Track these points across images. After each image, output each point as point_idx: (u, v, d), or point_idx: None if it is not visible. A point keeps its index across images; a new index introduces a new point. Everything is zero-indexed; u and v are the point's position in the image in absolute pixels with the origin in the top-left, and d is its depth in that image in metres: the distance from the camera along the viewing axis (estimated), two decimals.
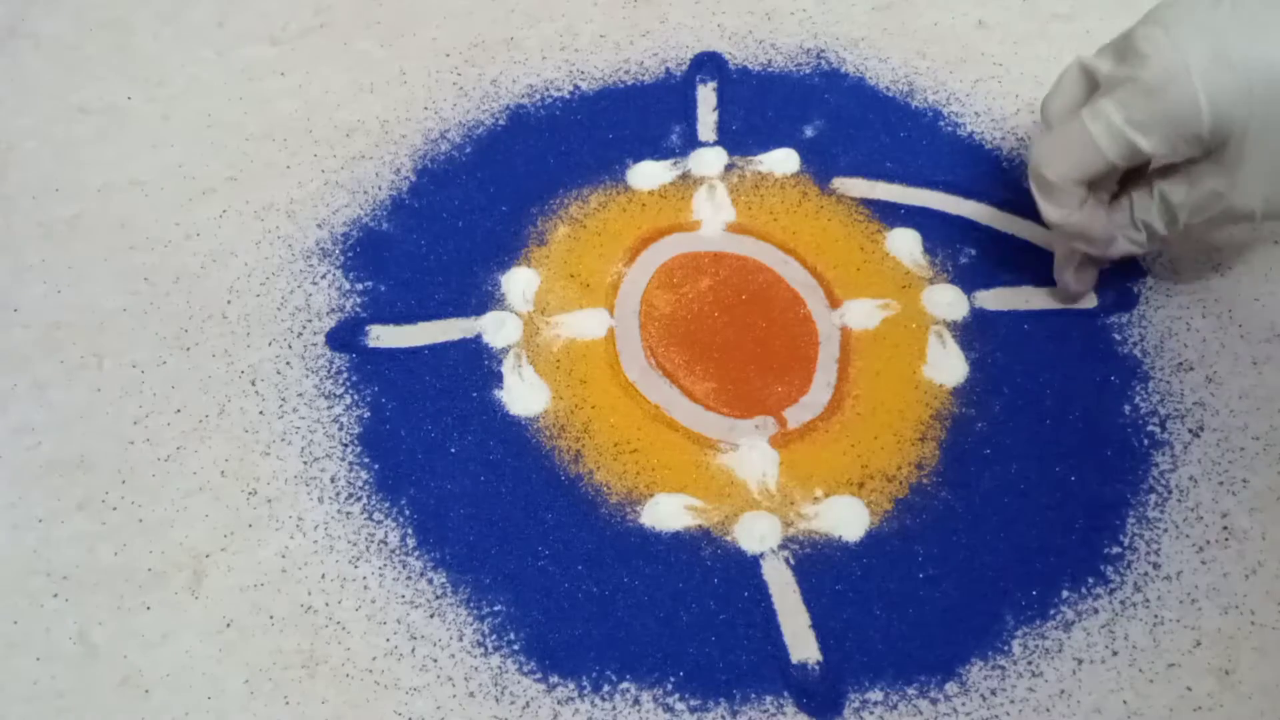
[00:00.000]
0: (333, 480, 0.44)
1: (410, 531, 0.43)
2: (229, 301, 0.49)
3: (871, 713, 0.39)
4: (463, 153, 0.53)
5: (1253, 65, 0.38)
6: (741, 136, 0.53)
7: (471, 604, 0.41)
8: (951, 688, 0.39)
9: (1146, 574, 0.41)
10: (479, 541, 0.43)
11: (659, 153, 0.53)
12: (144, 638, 0.41)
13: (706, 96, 0.55)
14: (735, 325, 0.48)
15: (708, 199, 0.52)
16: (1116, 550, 0.42)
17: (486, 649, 0.40)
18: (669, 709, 0.39)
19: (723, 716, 0.39)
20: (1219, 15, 0.39)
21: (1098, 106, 0.41)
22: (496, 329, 0.48)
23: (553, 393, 0.46)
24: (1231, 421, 0.45)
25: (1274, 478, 0.43)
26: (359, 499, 0.44)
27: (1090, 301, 0.48)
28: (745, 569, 0.42)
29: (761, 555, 0.42)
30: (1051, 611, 0.41)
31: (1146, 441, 0.44)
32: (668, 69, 0.56)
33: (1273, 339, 0.47)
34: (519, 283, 0.49)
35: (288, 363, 0.47)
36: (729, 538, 0.43)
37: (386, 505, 0.44)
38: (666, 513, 0.43)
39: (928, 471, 0.44)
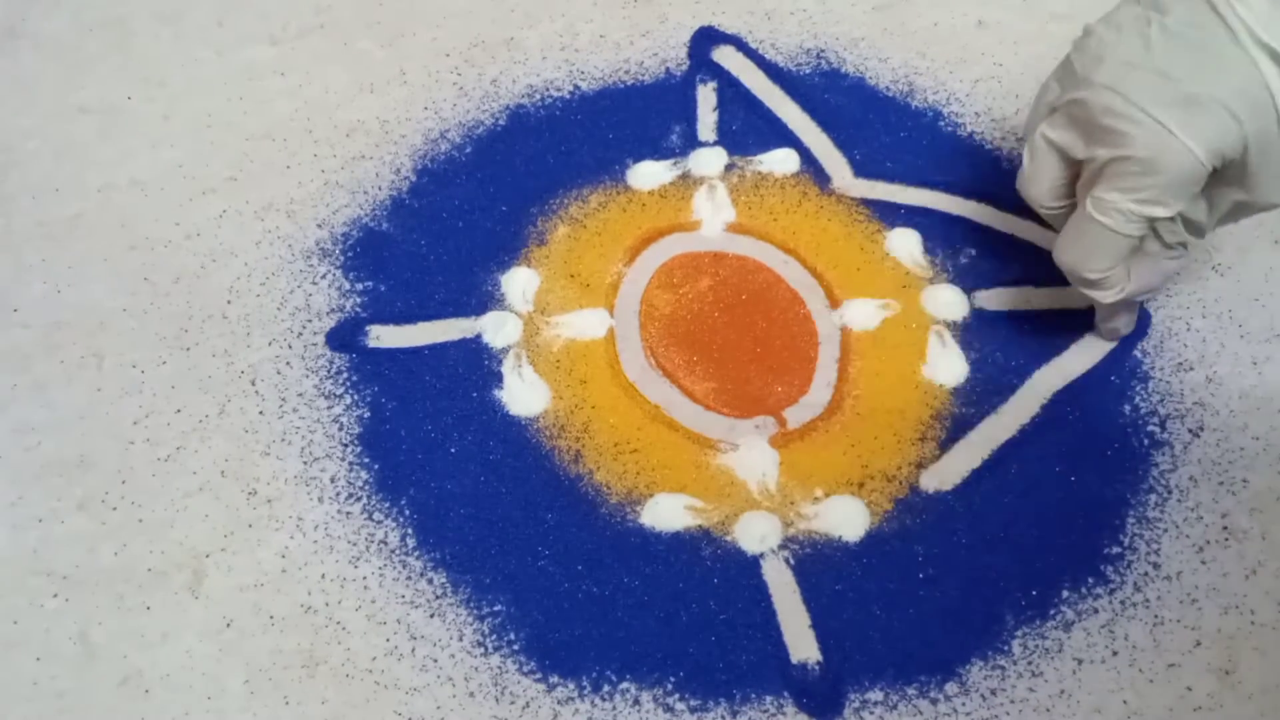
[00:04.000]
0: (333, 480, 0.44)
1: (410, 531, 0.43)
2: (229, 301, 0.49)
3: (871, 713, 0.39)
4: (463, 153, 0.53)
5: (1219, 94, 0.38)
6: (741, 136, 0.53)
7: (471, 604, 0.41)
8: (951, 688, 0.39)
9: (1146, 574, 0.41)
10: (479, 541, 0.43)
11: (659, 153, 0.53)
12: (144, 637, 0.41)
13: (706, 96, 0.55)
14: (735, 325, 0.48)
15: (708, 199, 0.52)
16: (1116, 550, 0.42)
17: (486, 649, 0.40)
18: (669, 709, 0.39)
19: (723, 716, 0.39)
20: (1156, 55, 0.39)
21: (1103, 201, 0.40)
22: (496, 329, 0.48)
23: (553, 393, 0.46)
24: (1231, 421, 0.44)
25: (1274, 478, 0.43)
26: (359, 499, 0.44)
27: (1086, 301, 0.48)
28: (745, 569, 0.42)
29: (761, 555, 0.42)
30: (1051, 611, 0.41)
31: (1146, 441, 0.44)
32: (668, 69, 0.56)
33: (1272, 339, 0.47)
34: (519, 283, 0.49)
35: (288, 363, 0.47)
36: (729, 538, 0.43)
37: (386, 505, 0.44)
38: (666, 513, 0.43)
39: (928, 471, 0.44)
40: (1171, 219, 0.41)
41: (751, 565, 0.42)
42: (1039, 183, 0.43)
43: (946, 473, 0.44)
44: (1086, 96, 0.40)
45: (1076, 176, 0.42)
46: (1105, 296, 0.43)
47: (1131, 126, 0.39)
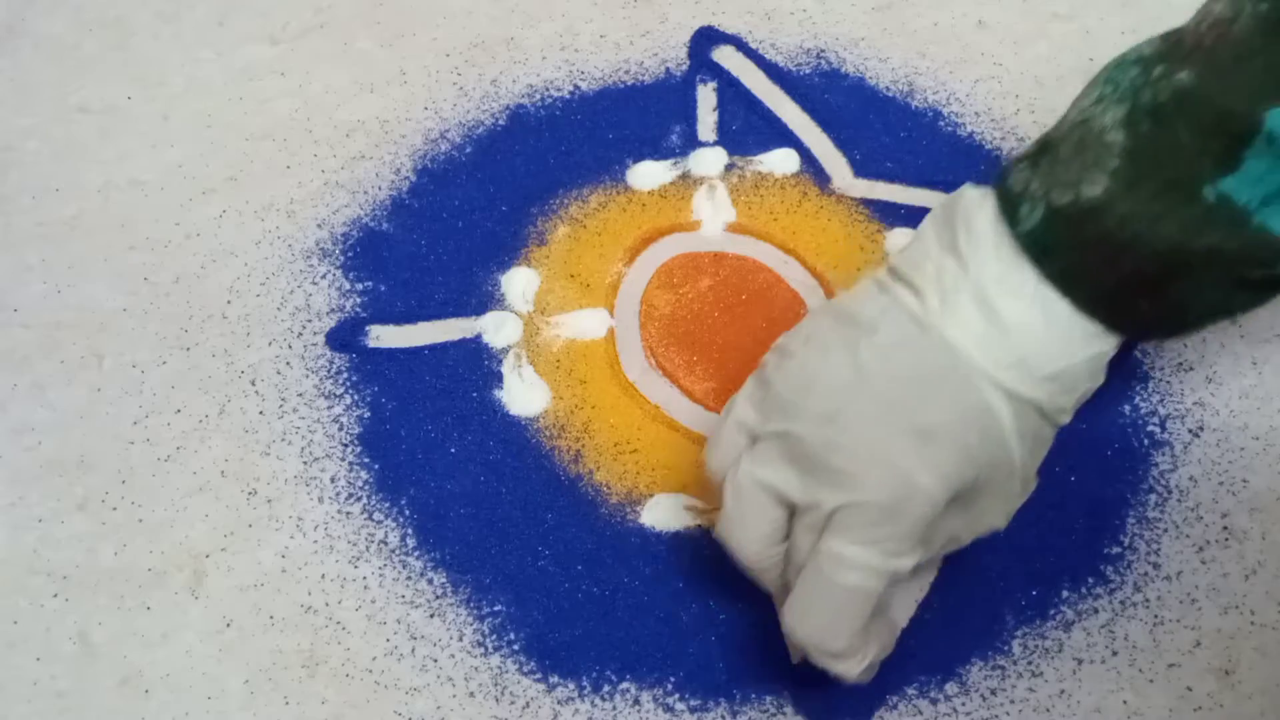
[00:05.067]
0: (333, 480, 0.44)
1: (410, 531, 0.43)
2: (229, 301, 0.49)
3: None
4: (463, 153, 0.53)
5: (958, 429, 0.35)
6: (741, 136, 0.53)
7: (471, 604, 0.41)
8: (951, 688, 0.39)
9: (1146, 574, 0.41)
10: (479, 541, 0.43)
11: (659, 153, 0.53)
12: (144, 638, 0.41)
13: (706, 96, 0.55)
14: (735, 325, 0.48)
15: (708, 199, 0.52)
16: (1116, 550, 0.42)
17: (486, 649, 0.41)
18: (669, 709, 0.39)
19: (723, 716, 0.39)
20: (874, 382, 0.35)
21: (841, 557, 0.34)
22: (496, 329, 0.48)
23: (553, 393, 0.46)
24: (1231, 421, 0.45)
25: (1274, 478, 0.43)
26: (359, 499, 0.44)
27: None
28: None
29: None
30: (1051, 611, 0.41)
31: (1146, 441, 0.44)
32: (668, 69, 0.56)
33: (1272, 339, 0.47)
34: (519, 283, 0.49)
35: (288, 363, 0.47)
36: None
37: (386, 505, 0.44)
38: (666, 513, 0.43)
39: None
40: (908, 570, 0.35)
41: None
42: (748, 529, 0.36)
43: None
44: (801, 431, 0.35)
45: (790, 517, 0.36)
46: (851, 669, 0.35)
47: (863, 468, 0.34)
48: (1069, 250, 0.35)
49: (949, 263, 0.36)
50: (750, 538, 0.36)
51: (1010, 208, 0.36)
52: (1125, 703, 0.39)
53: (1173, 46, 0.35)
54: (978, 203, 0.36)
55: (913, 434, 0.34)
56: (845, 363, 0.36)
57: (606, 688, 0.40)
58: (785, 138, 0.53)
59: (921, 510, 0.34)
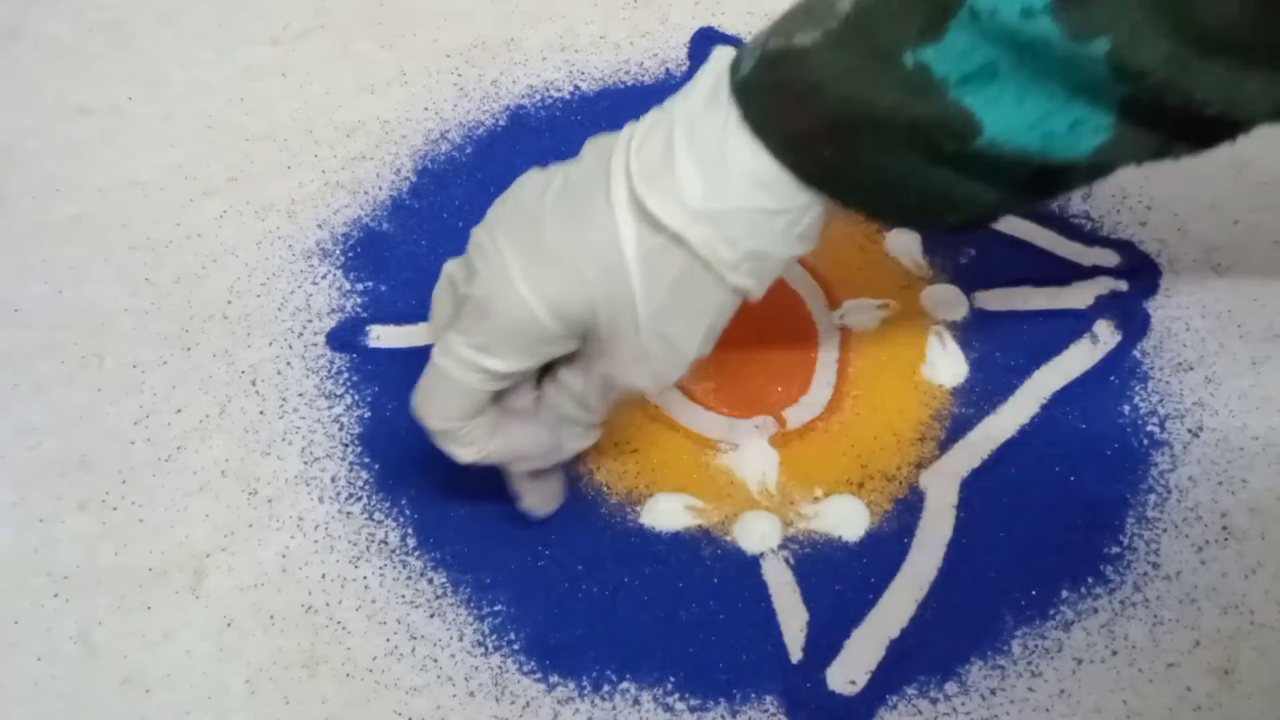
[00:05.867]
0: (333, 480, 0.44)
1: (410, 531, 0.43)
2: (229, 302, 0.49)
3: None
4: (463, 153, 0.53)
5: (575, 252, 0.35)
6: None
7: (471, 604, 0.41)
8: (951, 687, 0.39)
9: (1146, 574, 0.41)
10: (479, 541, 0.43)
11: None
12: (144, 637, 0.41)
13: None
14: (735, 325, 0.47)
15: None
16: (1116, 550, 0.42)
17: (486, 649, 0.41)
18: (669, 709, 0.39)
19: (723, 716, 0.39)
20: (543, 204, 0.36)
21: (445, 339, 0.36)
22: None
23: None
24: (1230, 421, 0.45)
25: (1273, 478, 0.43)
26: (359, 499, 0.44)
27: (1086, 301, 0.48)
28: (745, 569, 0.42)
29: (761, 555, 0.42)
30: (1051, 611, 0.41)
31: (1146, 441, 0.44)
32: (668, 69, 0.56)
33: (1271, 339, 0.47)
34: None
35: (288, 363, 0.47)
36: (729, 538, 0.43)
37: (387, 505, 0.44)
38: (666, 513, 0.43)
39: (927, 471, 0.44)
40: (509, 375, 0.36)
41: (751, 565, 0.42)
42: (436, 316, 0.38)
43: (946, 473, 0.44)
44: (475, 230, 0.37)
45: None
46: (461, 454, 0.37)
47: (482, 264, 0.35)
48: (765, 91, 0.34)
49: (667, 104, 0.36)
50: (434, 313, 0.38)
51: (738, 61, 0.35)
52: (1125, 702, 0.39)
53: None
54: (718, 56, 0.36)
55: (535, 251, 0.35)
56: (540, 184, 0.37)
57: (606, 687, 0.40)
58: None
59: (512, 317, 0.35)
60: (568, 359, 0.38)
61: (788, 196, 0.35)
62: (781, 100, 0.34)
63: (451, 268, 0.38)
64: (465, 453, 0.37)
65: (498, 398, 0.38)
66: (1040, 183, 0.35)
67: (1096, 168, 0.35)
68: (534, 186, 0.37)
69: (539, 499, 0.41)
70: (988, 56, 0.32)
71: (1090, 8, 0.30)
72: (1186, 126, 0.33)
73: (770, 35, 0.35)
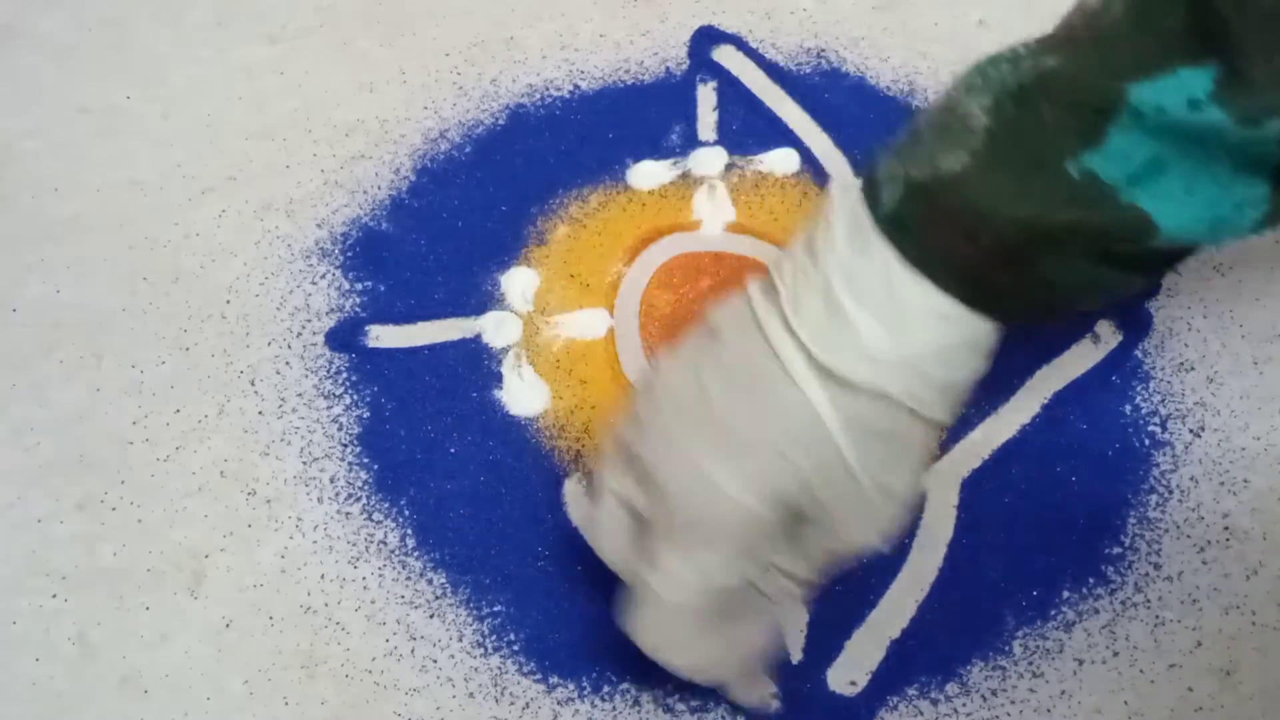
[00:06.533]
0: (332, 480, 0.44)
1: (410, 532, 0.43)
2: (228, 301, 0.49)
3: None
4: (463, 152, 0.53)
5: (772, 437, 0.33)
6: (741, 136, 0.53)
7: (471, 604, 0.41)
8: (952, 688, 0.39)
9: (1147, 574, 0.41)
10: (479, 542, 0.43)
11: (659, 152, 0.53)
12: (143, 638, 0.41)
13: (706, 96, 0.55)
14: None
15: (708, 199, 0.52)
16: (1117, 550, 0.42)
17: (486, 649, 0.40)
18: (669, 709, 0.39)
19: (723, 717, 0.39)
20: (709, 399, 0.34)
21: (666, 575, 0.34)
22: (496, 329, 0.48)
23: (553, 393, 0.46)
24: (1232, 421, 0.44)
25: (1275, 478, 0.43)
26: (358, 499, 0.44)
27: None
28: None
29: None
30: (1052, 612, 0.41)
31: (1147, 441, 0.44)
32: (668, 69, 0.56)
33: (1274, 339, 0.46)
34: (519, 283, 0.49)
35: (287, 363, 0.47)
36: None
37: (386, 505, 0.44)
38: None
39: (928, 472, 0.44)
40: (730, 586, 0.34)
41: None
42: (609, 538, 0.37)
43: (946, 473, 0.44)
44: (642, 452, 0.35)
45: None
46: (696, 677, 0.36)
47: (675, 482, 0.34)
48: (925, 225, 0.33)
49: (804, 259, 0.35)
50: (613, 546, 0.37)
51: (873, 193, 0.34)
52: (1126, 703, 0.39)
53: (1044, 39, 0.34)
54: (841, 193, 0.35)
55: (725, 446, 0.34)
56: (692, 379, 0.35)
57: (606, 688, 0.40)
58: (785, 137, 0.53)
59: (734, 523, 0.33)
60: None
61: (969, 325, 0.34)
62: (943, 232, 0.33)
63: (619, 488, 0.36)
64: (707, 675, 0.36)
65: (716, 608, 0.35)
66: (1174, 258, 0.35)
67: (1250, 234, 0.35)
68: (686, 385, 0.35)
69: (756, 691, 0.38)
70: (1153, 152, 0.31)
71: (1254, 89, 0.29)
72: None
73: (907, 161, 0.34)
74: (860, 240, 0.34)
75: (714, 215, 0.51)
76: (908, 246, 0.33)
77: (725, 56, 0.56)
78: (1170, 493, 0.43)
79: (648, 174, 0.52)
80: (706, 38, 0.57)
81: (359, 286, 0.49)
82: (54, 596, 0.42)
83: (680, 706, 0.39)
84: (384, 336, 0.48)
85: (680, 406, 0.35)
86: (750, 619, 0.36)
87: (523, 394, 0.46)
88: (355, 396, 0.46)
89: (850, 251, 0.34)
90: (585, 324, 0.48)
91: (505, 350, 0.47)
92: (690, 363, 0.35)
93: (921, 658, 0.40)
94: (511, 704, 0.39)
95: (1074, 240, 0.32)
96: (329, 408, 0.46)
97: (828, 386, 0.33)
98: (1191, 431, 0.44)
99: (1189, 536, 0.42)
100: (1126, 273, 0.34)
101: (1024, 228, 0.32)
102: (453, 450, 0.45)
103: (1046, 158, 0.32)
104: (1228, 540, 0.42)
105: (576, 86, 0.55)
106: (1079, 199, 0.32)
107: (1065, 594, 0.41)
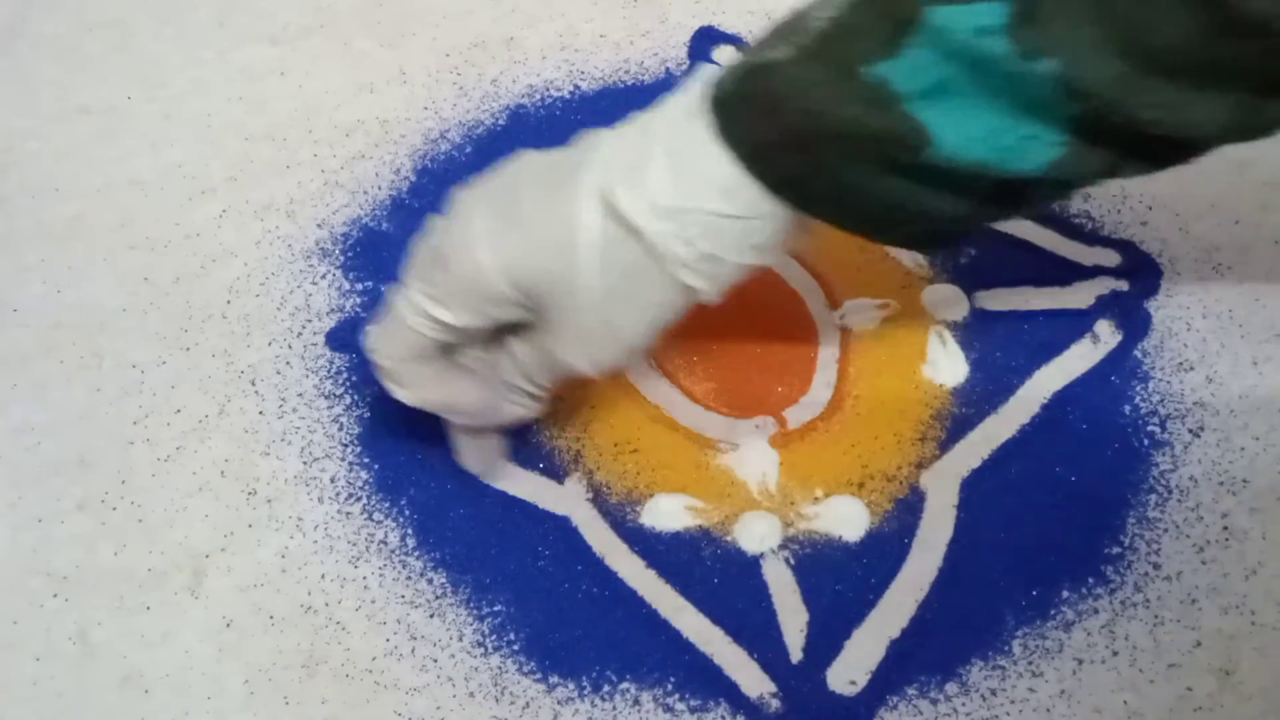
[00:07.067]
0: (332, 480, 0.44)
1: (410, 531, 0.43)
2: (229, 301, 0.49)
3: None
4: (463, 153, 0.53)
5: (538, 224, 0.36)
6: None
7: (471, 604, 0.41)
8: (952, 688, 0.39)
9: (1147, 574, 0.41)
10: (479, 541, 0.43)
11: None
12: (144, 638, 0.41)
13: None
14: (735, 326, 0.48)
15: None
16: (1116, 550, 0.42)
17: (486, 649, 0.40)
18: (669, 709, 0.39)
19: (723, 717, 0.39)
20: (522, 179, 0.38)
21: (406, 285, 0.38)
22: None
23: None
24: (1232, 421, 0.45)
25: (1274, 477, 0.43)
26: (359, 499, 0.44)
27: (1087, 301, 0.48)
28: (745, 569, 0.42)
29: (761, 555, 0.42)
30: (1052, 612, 0.41)
31: (1147, 441, 0.44)
32: (668, 69, 0.56)
33: (1273, 339, 0.47)
34: None
35: (287, 363, 0.47)
36: (729, 538, 0.43)
37: (386, 505, 0.44)
38: (667, 513, 0.43)
39: (928, 471, 0.44)
40: (456, 329, 0.38)
41: (752, 565, 0.42)
42: (410, 265, 0.40)
43: (946, 473, 0.44)
44: (456, 189, 0.39)
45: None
46: (398, 393, 0.39)
47: (453, 220, 0.37)
48: (736, 102, 0.36)
49: (657, 111, 0.38)
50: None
51: (720, 77, 0.37)
52: (1125, 703, 0.39)
53: None
54: (706, 70, 0.38)
55: (502, 217, 0.37)
56: (521, 167, 0.38)
57: (606, 688, 0.40)
58: None
59: (468, 270, 0.37)
60: (519, 329, 0.39)
61: (749, 205, 0.36)
62: (751, 112, 0.35)
63: (433, 221, 0.39)
64: (404, 394, 0.39)
65: (448, 350, 0.39)
66: (1004, 196, 0.36)
67: (1059, 183, 0.36)
68: (522, 163, 0.38)
69: (474, 458, 0.43)
70: (942, 73, 0.33)
71: (1044, 28, 0.31)
72: (1137, 145, 0.34)
73: (750, 51, 0.37)
74: (694, 109, 0.36)
75: None
76: (723, 120, 0.36)
77: (725, 57, 0.56)
78: (1169, 492, 0.43)
79: None
80: (706, 38, 0.57)
81: (359, 286, 0.49)
82: (55, 596, 0.42)
83: (680, 706, 0.39)
84: None
85: (503, 175, 0.38)
86: (474, 380, 0.40)
87: None
88: (355, 396, 0.46)
89: (682, 114, 0.37)
90: None
91: None
92: (542, 153, 0.39)
93: (921, 657, 0.40)
94: (511, 703, 0.39)
95: (852, 139, 0.34)
96: (329, 408, 0.46)
97: (605, 209, 0.36)
98: (1191, 431, 0.44)
99: (1188, 536, 0.42)
100: (929, 190, 0.35)
101: (809, 116, 0.34)
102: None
103: (851, 61, 0.34)
104: (1227, 540, 0.42)
105: (577, 87, 0.55)
106: (864, 100, 0.34)
107: (1065, 594, 0.41)
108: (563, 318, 0.37)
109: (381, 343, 0.39)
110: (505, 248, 0.36)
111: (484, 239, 0.37)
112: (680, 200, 0.36)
